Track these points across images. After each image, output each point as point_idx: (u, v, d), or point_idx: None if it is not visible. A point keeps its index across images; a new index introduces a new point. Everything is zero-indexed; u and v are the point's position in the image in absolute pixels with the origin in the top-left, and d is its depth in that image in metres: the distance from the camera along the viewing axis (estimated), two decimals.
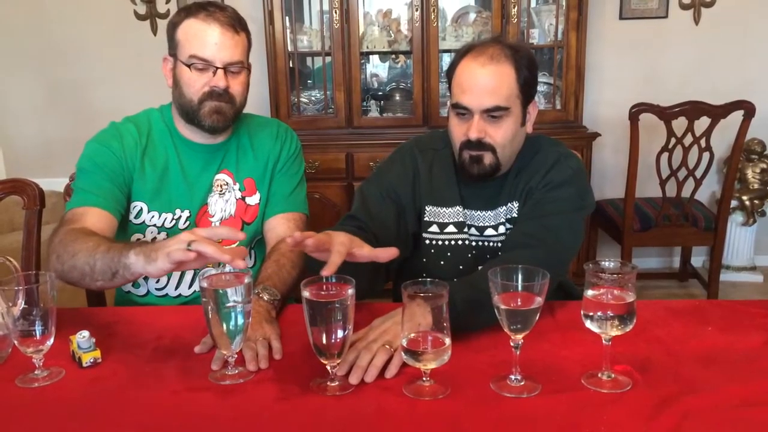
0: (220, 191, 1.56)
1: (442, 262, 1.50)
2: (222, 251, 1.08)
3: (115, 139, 1.51)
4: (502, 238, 1.48)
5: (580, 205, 1.44)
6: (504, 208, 1.48)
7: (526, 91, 1.40)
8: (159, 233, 1.53)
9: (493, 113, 1.37)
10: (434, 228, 1.50)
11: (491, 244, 1.49)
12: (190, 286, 1.57)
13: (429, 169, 1.51)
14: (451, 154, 1.51)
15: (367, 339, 1.14)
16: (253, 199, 1.59)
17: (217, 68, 1.43)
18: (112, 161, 1.49)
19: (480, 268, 1.36)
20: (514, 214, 1.47)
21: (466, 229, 1.49)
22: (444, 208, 1.49)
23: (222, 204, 1.56)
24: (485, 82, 1.36)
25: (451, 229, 1.49)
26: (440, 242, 1.50)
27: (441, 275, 1.45)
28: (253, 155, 1.60)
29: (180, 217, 1.53)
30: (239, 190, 1.58)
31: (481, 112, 1.37)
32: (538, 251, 1.31)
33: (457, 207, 1.49)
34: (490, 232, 1.49)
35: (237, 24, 1.46)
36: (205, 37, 1.42)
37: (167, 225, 1.53)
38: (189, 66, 1.44)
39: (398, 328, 1.08)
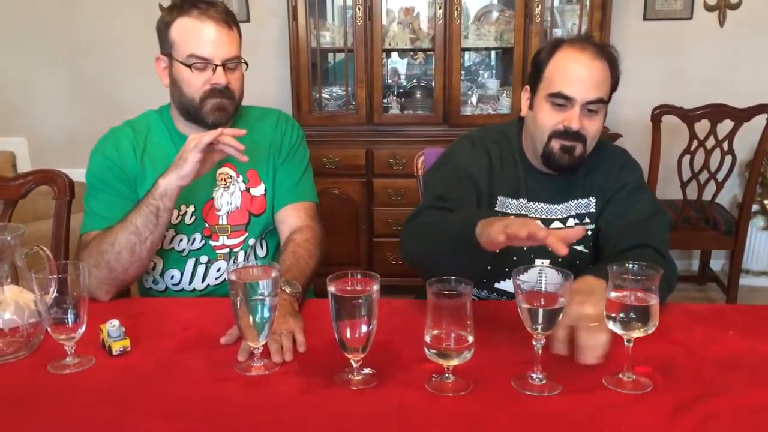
0: (225, 185, 1.57)
1: (497, 251, 1.51)
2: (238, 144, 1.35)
3: (113, 147, 1.53)
4: None
5: (660, 206, 1.52)
6: (575, 202, 1.52)
7: (611, 90, 1.46)
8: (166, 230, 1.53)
9: (593, 106, 1.41)
10: None
11: None
12: (203, 280, 1.59)
13: (500, 159, 1.54)
14: (515, 148, 1.54)
15: (580, 309, 1.12)
16: (258, 190, 1.60)
17: (217, 65, 1.44)
18: (115, 172, 1.51)
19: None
20: (592, 209, 1.51)
21: None
22: (511, 200, 1.52)
23: (227, 197, 1.57)
24: (594, 74, 1.40)
25: None
26: None
27: (494, 264, 1.47)
28: (253, 147, 1.57)
29: (186, 212, 1.54)
30: (243, 182, 1.59)
31: (583, 104, 1.40)
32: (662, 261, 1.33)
33: (522, 199, 1.52)
34: (556, 225, 1.51)
35: (230, 19, 1.47)
36: (202, 35, 1.44)
37: (173, 221, 1.52)
38: (189, 66, 1.45)
39: (602, 304, 1.09)
